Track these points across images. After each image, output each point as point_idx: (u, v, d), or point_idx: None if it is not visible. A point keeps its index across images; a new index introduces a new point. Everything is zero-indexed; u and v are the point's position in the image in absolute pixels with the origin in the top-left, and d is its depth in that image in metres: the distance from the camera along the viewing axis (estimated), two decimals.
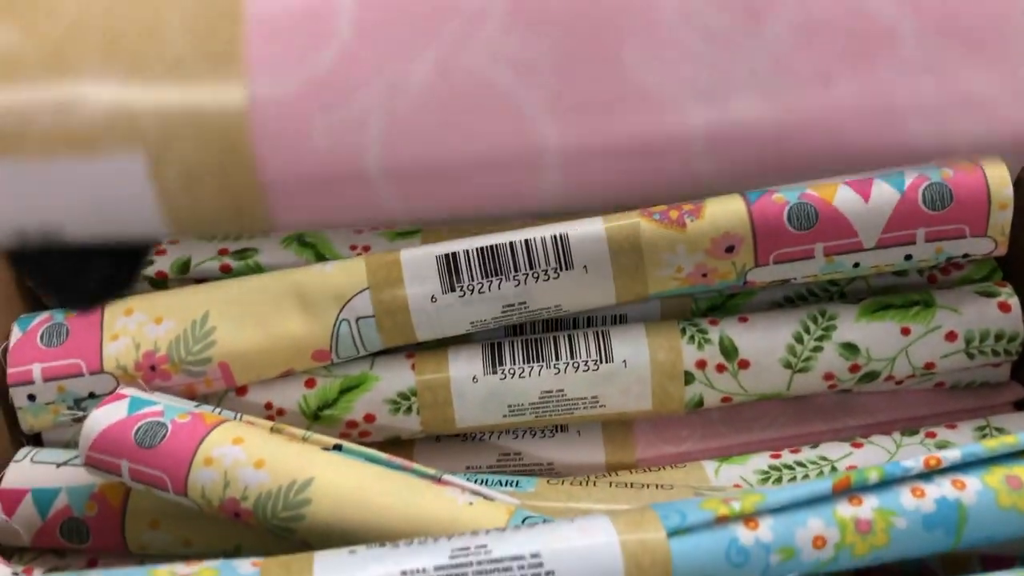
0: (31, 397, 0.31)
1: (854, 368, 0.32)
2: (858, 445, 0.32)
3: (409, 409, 0.32)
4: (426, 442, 0.34)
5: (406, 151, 0.10)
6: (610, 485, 0.30)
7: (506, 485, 0.30)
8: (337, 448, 0.28)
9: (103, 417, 0.28)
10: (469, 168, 0.10)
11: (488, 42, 0.09)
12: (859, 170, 0.10)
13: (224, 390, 0.32)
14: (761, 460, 0.31)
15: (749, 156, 0.10)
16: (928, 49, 0.09)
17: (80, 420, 0.30)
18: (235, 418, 0.29)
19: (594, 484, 0.30)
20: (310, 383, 0.32)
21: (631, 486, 0.30)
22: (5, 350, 0.32)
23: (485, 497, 0.27)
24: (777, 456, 0.32)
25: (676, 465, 0.32)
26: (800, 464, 0.31)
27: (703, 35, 0.09)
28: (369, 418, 0.32)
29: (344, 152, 0.10)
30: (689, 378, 0.32)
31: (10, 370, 0.31)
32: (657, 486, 0.30)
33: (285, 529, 0.27)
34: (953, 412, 0.33)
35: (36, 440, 0.33)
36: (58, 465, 0.31)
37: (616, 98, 0.09)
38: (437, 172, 0.10)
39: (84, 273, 0.12)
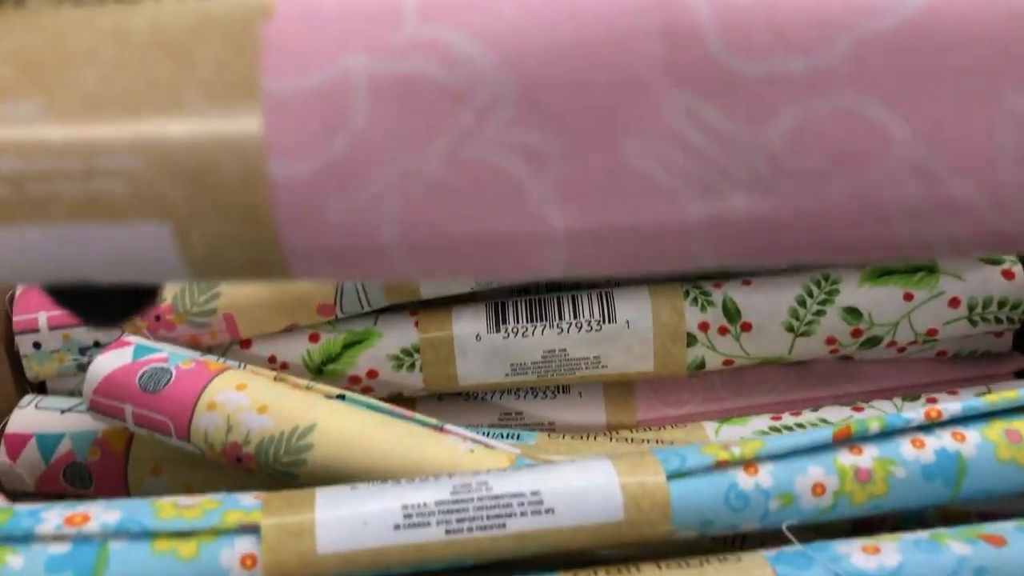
0: (36, 345, 0.32)
1: (856, 333, 0.32)
2: (859, 409, 0.32)
3: (412, 366, 0.32)
4: (428, 400, 0.34)
5: (419, 231, 0.10)
6: (610, 440, 0.30)
7: (507, 438, 0.30)
8: (340, 397, 0.28)
9: (108, 362, 0.28)
10: (479, 246, 0.10)
11: (497, 132, 0.10)
12: (841, 260, 0.10)
13: (229, 342, 0.32)
14: (761, 422, 0.32)
15: (742, 244, 0.10)
16: (917, 155, 0.09)
17: (84, 368, 0.30)
18: (239, 367, 0.29)
19: (594, 439, 0.30)
20: (314, 337, 0.32)
21: (631, 441, 0.30)
22: (11, 298, 0.32)
23: (486, 446, 0.27)
24: (778, 418, 0.32)
25: (676, 425, 0.32)
26: (800, 426, 0.31)
27: (704, 133, 0.09)
28: (372, 374, 0.32)
29: (360, 229, 0.10)
30: (691, 340, 0.32)
31: (16, 318, 0.32)
32: (657, 442, 0.30)
33: (287, 474, 0.27)
34: (955, 381, 0.33)
35: (41, 389, 0.33)
36: (62, 411, 0.31)
37: (619, 188, 0.10)
38: (449, 249, 0.10)
39: (109, 302, 0.13)
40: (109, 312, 0.13)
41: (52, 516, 0.21)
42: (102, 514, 0.21)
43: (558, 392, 0.34)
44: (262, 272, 0.11)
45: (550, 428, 0.33)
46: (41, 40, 0.10)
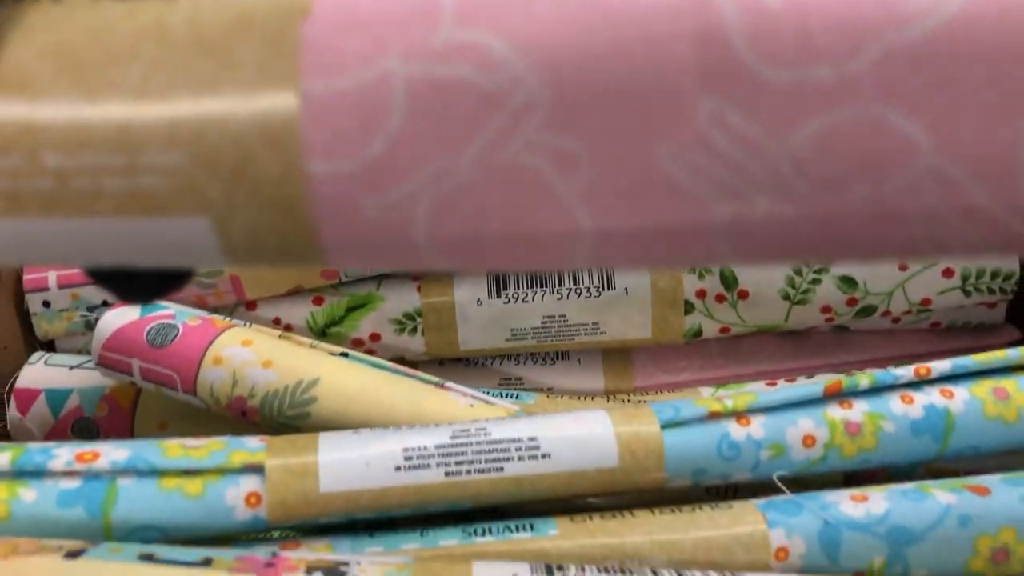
0: (46, 304, 0.32)
1: (851, 302, 0.32)
2: None
3: (414, 330, 0.33)
4: (429, 365, 0.35)
5: (451, 229, 0.11)
6: (608, 401, 0.31)
7: (506, 398, 0.30)
8: (343, 355, 0.29)
9: (116, 318, 0.29)
10: (507, 243, 0.11)
11: (530, 135, 0.10)
12: (855, 260, 0.11)
13: (234, 304, 0.33)
14: (757, 387, 0.32)
15: (763, 245, 0.10)
16: (939, 164, 0.09)
17: (93, 327, 0.31)
18: (244, 325, 0.30)
19: (592, 399, 0.31)
20: (318, 300, 0.33)
21: (628, 403, 0.31)
22: None
23: (485, 402, 0.28)
24: (773, 384, 0.32)
25: (673, 391, 0.33)
26: None
27: (732, 138, 0.10)
28: (375, 337, 0.33)
29: (393, 226, 0.11)
30: (689, 307, 0.33)
31: (26, 277, 0.32)
32: None
33: (291, 427, 0.27)
34: (948, 352, 0.34)
35: (50, 348, 0.34)
36: (71, 368, 0.31)
37: (646, 190, 0.10)
38: (478, 246, 0.11)
39: (145, 281, 0.13)
40: (145, 290, 0.14)
41: (63, 453, 0.22)
42: (111, 452, 0.22)
43: (557, 358, 0.35)
44: (298, 261, 0.11)
45: (549, 393, 0.34)
46: (81, 36, 0.11)
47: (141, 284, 0.13)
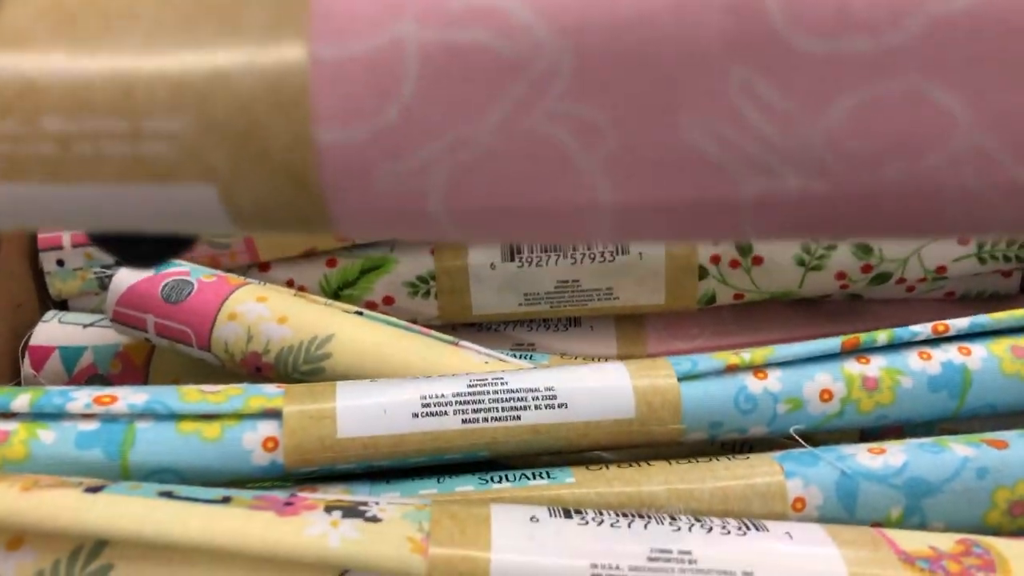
0: (60, 263, 0.32)
1: (866, 268, 0.32)
2: None
3: (427, 293, 0.33)
4: (442, 330, 0.34)
5: (467, 199, 0.10)
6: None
7: (520, 359, 0.30)
8: (358, 314, 0.29)
9: (131, 274, 0.29)
10: (524, 216, 0.10)
11: (552, 104, 0.10)
12: (889, 238, 0.10)
13: (247, 264, 0.33)
14: None
15: (792, 222, 0.10)
16: (979, 141, 0.09)
17: (106, 287, 0.31)
18: (259, 283, 0.30)
19: (606, 360, 0.31)
20: (331, 262, 0.33)
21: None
22: None
23: (500, 360, 0.28)
24: None
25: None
26: None
27: (762, 111, 0.09)
28: (388, 300, 0.33)
29: (407, 196, 0.10)
30: (703, 273, 0.32)
31: (40, 235, 0.32)
32: None
33: (305, 383, 0.27)
34: None
35: (63, 307, 0.34)
36: (84, 326, 0.32)
37: (671, 163, 0.10)
38: (496, 217, 0.11)
39: (148, 246, 0.13)
40: (147, 255, 0.13)
41: (82, 395, 0.22)
42: (130, 395, 0.22)
43: (570, 325, 0.35)
44: (308, 230, 0.11)
45: (563, 356, 0.34)
46: None
47: (145, 248, 0.13)
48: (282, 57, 0.10)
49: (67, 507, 0.18)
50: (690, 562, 0.18)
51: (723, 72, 0.09)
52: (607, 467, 0.22)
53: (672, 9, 0.09)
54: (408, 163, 0.10)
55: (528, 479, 0.22)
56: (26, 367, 0.31)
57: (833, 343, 0.24)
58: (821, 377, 0.23)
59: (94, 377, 0.31)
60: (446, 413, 0.22)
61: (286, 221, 0.11)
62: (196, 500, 0.18)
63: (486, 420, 0.22)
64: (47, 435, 0.21)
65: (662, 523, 0.19)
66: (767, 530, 0.19)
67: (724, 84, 0.09)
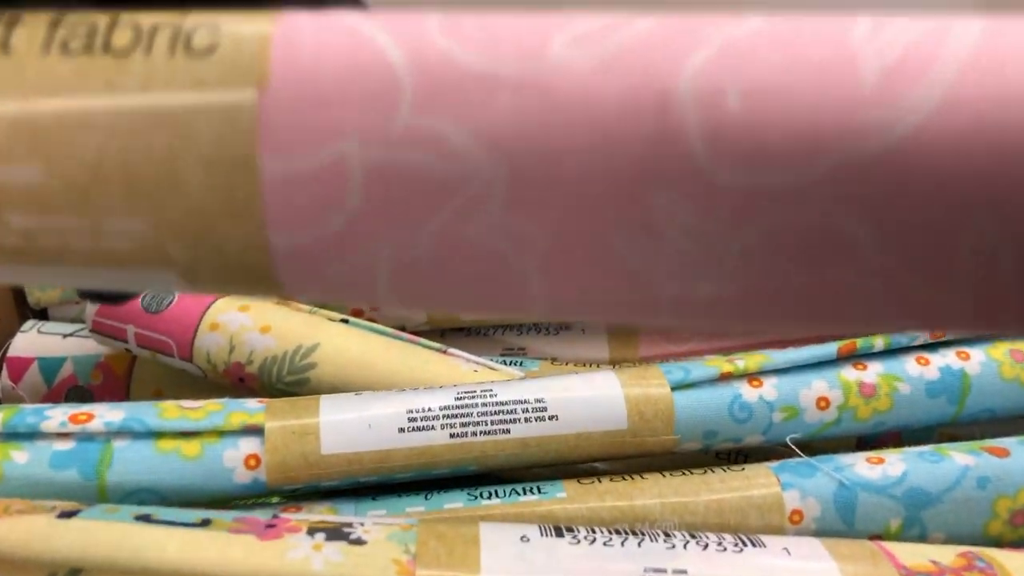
0: None
1: None
2: None
3: None
4: (430, 335, 0.34)
5: (412, 290, 0.11)
6: (613, 367, 0.30)
7: (510, 365, 0.30)
8: (343, 322, 0.28)
9: None
10: (466, 304, 0.12)
11: (487, 218, 0.10)
12: (795, 334, 0.11)
13: None
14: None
15: (706, 318, 0.11)
16: (881, 260, 0.10)
17: (84, 297, 0.30)
18: None
19: (597, 366, 0.30)
20: None
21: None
22: None
23: (489, 368, 0.27)
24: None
25: (679, 359, 0.32)
26: None
27: (684, 232, 0.10)
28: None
29: (356, 284, 0.11)
30: None
31: None
32: None
33: (290, 394, 0.27)
34: None
35: (42, 316, 0.33)
36: (64, 336, 0.31)
37: (601, 272, 0.11)
38: (439, 303, 0.12)
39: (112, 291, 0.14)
40: (111, 295, 0.14)
41: (57, 414, 0.21)
42: (106, 413, 0.21)
43: (561, 328, 0.34)
44: (265, 299, 0.12)
45: (553, 361, 0.33)
46: (34, 99, 0.11)
47: (109, 295, 0.14)
48: (233, 167, 0.10)
49: (39, 534, 0.17)
50: None
51: (647, 198, 0.10)
52: (599, 480, 0.22)
53: (601, 140, 0.10)
54: (355, 261, 0.11)
55: (518, 494, 0.21)
56: (4, 379, 0.30)
57: (829, 348, 0.23)
58: (818, 384, 0.23)
59: (74, 388, 0.30)
60: (433, 427, 0.21)
61: (243, 294, 0.12)
62: (174, 524, 0.18)
63: (474, 434, 0.21)
64: (20, 455, 0.20)
65: (656, 540, 0.19)
66: (764, 546, 0.19)
67: (647, 208, 0.10)
